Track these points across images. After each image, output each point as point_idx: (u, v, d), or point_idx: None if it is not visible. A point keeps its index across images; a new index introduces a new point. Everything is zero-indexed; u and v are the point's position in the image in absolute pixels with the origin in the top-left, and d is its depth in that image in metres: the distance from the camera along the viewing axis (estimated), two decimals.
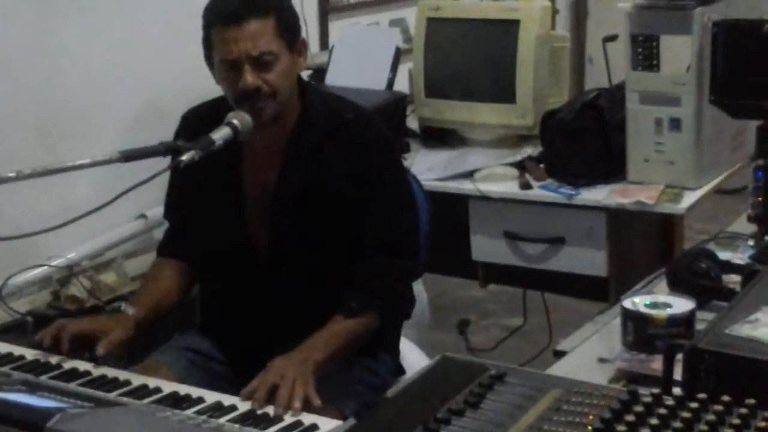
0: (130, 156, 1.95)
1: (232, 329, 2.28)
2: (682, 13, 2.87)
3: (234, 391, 1.97)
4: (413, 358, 2.49)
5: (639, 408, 1.48)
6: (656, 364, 1.86)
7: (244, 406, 1.83)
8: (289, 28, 2.13)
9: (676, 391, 1.59)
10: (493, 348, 3.96)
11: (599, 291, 3.14)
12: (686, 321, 1.97)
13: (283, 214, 2.20)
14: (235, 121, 2.07)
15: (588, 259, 3.07)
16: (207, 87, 2.42)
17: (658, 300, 2.02)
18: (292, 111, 2.19)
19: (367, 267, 2.17)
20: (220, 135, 2.04)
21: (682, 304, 2.00)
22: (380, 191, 2.19)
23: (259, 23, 2.07)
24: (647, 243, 3.25)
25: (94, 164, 1.92)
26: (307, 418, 1.80)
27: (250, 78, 2.07)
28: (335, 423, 1.80)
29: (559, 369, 1.95)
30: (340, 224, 2.19)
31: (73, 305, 2.86)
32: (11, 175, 1.84)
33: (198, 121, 2.23)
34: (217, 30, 2.10)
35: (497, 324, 4.29)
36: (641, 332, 1.94)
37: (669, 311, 1.96)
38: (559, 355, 2.16)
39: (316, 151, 2.18)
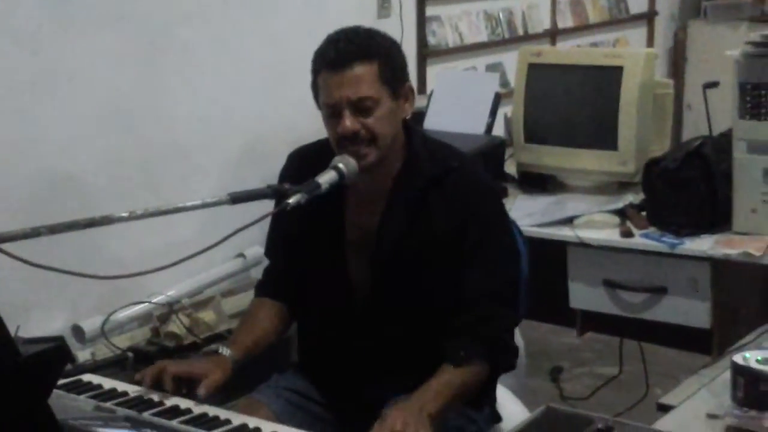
0: (237, 198, 1.97)
1: (330, 370, 2.28)
2: None
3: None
4: (509, 405, 2.45)
5: None
6: None
7: None
8: (394, 74, 2.14)
9: None
10: (587, 397, 3.89)
11: (700, 343, 3.07)
12: None
13: (383, 258, 2.19)
14: (341, 165, 2.09)
15: (690, 311, 3.00)
16: (306, 130, 2.46)
17: None
18: (396, 156, 2.20)
19: (472, 315, 2.15)
20: (326, 179, 2.05)
21: None
22: (486, 240, 2.17)
23: (362, 68, 2.09)
24: (752, 296, 3.16)
25: (204, 206, 1.95)
26: None
27: (348, 122, 2.09)
28: None
29: (666, 423, 1.90)
30: (442, 271, 2.17)
31: (172, 342, 2.90)
32: (123, 215, 1.86)
33: (304, 161, 2.25)
34: (322, 75, 2.13)
35: (591, 372, 4.22)
36: (753, 388, 1.88)
37: None
38: (664, 408, 2.10)
39: (420, 198, 2.18)
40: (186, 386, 2.07)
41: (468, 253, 2.16)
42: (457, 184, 2.19)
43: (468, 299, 2.16)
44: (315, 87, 2.16)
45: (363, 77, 2.09)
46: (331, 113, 2.12)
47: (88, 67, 2.94)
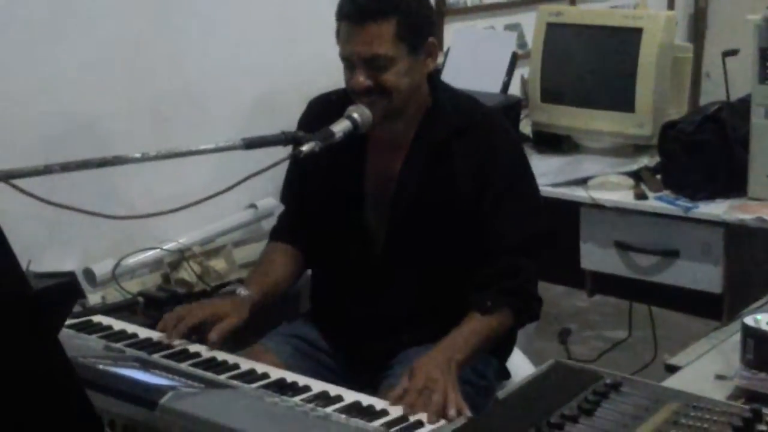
0: (251, 144, 1.97)
1: (341, 319, 2.28)
2: None
3: (339, 381, 1.97)
4: (518, 363, 2.46)
5: (762, 427, 1.43)
6: None
7: (349, 397, 1.83)
8: (413, 30, 2.11)
9: None
10: (595, 360, 3.89)
11: (711, 308, 3.06)
12: None
13: (402, 206, 2.19)
14: (355, 115, 2.08)
15: (702, 275, 2.99)
16: (321, 81, 2.44)
17: None
18: (419, 107, 2.19)
19: (497, 266, 2.16)
20: (340, 128, 2.05)
21: None
22: (510, 192, 2.17)
23: (377, 26, 2.07)
24: (764, 261, 3.15)
25: (217, 150, 1.94)
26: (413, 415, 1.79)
27: (360, 78, 2.09)
28: (441, 422, 1.79)
29: (674, 383, 1.89)
30: (460, 223, 2.17)
31: (183, 288, 2.90)
32: (137, 156, 1.86)
33: (323, 108, 2.24)
34: (342, 25, 2.12)
35: (600, 335, 4.22)
36: (763, 351, 1.87)
37: None
38: (672, 369, 2.10)
39: (443, 148, 2.17)
40: (203, 329, 2.08)
41: (492, 205, 2.16)
42: (481, 135, 2.18)
43: (493, 251, 2.16)
44: (337, 34, 2.15)
45: (378, 35, 2.07)
46: (347, 65, 2.12)
47: (103, 11, 2.92)
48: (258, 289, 2.21)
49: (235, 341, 2.13)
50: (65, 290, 1.47)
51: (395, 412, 1.79)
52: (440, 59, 3.68)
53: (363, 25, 2.07)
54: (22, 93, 2.74)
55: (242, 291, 2.20)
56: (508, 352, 2.35)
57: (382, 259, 2.22)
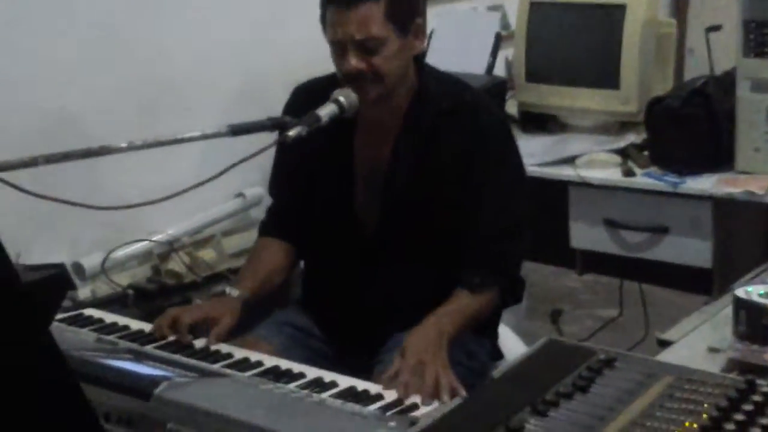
0: (238, 130, 1.96)
1: (333, 306, 2.28)
2: None
3: (332, 367, 1.97)
4: (510, 343, 2.47)
5: (757, 398, 1.43)
6: None
7: (344, 383, 1.83)
8: (402, 11, 2.11)
9: None
10: (587, 339, 3.89)
11: (701, 283, 3.07)
12: None
13: (393, 190, 2.19)
14: (341, 98, 2.07)
15: (692, 250, 2.99)
16: (307, 67, 2.42)
17: None
18: (407, 90, 2.18)
19: (485, 249, 2.17)
20: (326, 111, 2.04)
21: None
22: (498, 174, 2.18)
23: (367, 8, 2.06)
24: (753, 235, 3.16)
25: (204, 137, 1.94)
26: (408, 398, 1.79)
27: (353, 61, 2.08)
28: (434, 403, 1.79)
29: (667, 357, 1.89)
30: (452, 204, 2.17)
31: (173, 280, 2.90)
32: (123, 145, 1.85)
33: (309, 95, 2.22)
34: (330, 10, 2.11)
35: (591, 315, 4.23)
36: (755, 322, 1.87)
37: None
38: (664, 344, 2.10)
39: (432, 130, 2.17)
40: (198, 332, 2.08)
41: (479, 187, 2.16)
42: (468, 117, 2.18)
43: (480, 233, 2.17)
44: (323, 20, 2.14)
45: (369, 16, 2.06)
46: (337, 50, 2.11)
47: (85, 1, 2.90)
48: (248, 289, 2.21)
49: (227, 337, 2.13)
50: (56, 282, 1.46)
51: (390, 396, 1.79)
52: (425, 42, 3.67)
53: (353, 8, 2.06)
54: (3, 88, 2.72)
55: (233, 291, 2.19)
56: (495, 331, 2.36)
57: (374, 244, 2.21)
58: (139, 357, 1.88)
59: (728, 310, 2.00)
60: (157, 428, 1.62)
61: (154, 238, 2.98)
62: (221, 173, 1.90)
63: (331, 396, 1.76)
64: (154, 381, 1.69)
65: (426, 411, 1.75)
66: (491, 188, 2.17)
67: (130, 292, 2.82)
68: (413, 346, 1.91)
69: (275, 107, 2.33)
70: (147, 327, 2.09)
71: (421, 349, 1.90)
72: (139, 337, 2.04)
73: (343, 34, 2.07)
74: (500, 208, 2.18)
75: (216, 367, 1.88)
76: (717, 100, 3.00)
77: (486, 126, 2.19)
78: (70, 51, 2.87)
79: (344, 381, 1.84)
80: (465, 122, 2.17)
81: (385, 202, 2.20)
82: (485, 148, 2.16)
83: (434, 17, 4.01)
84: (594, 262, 3.32)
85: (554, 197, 3.18)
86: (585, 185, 3.12)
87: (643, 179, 3.04)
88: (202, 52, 3.24)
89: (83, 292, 2.78)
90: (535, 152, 3.27)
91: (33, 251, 2.71)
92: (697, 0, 5.87)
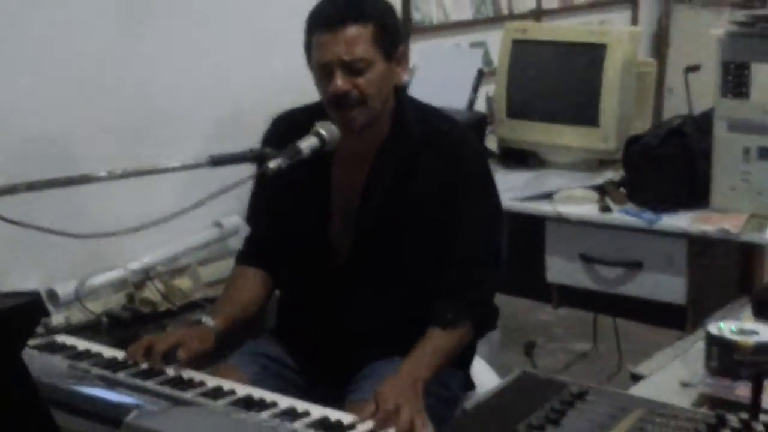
0: (218, 161, 1.95)
1: (307, 334, 2.27)
2: None
3: (305, 397, 1.96)
4: (483, 374, 2.47)
5: None
6: (741, 390, 1.82)
7: (317, 412, 1.82)
8: (388, 37, 2.13)
9: (764, 418, 1.55)
10: (560, 371, 3.91)
11: (674, 319, 3.08)
12: None
13: (367, 219, 2.19)
14: (323, 131, 2.07)
15: (666, 286, 3.01)
16: (289, 96, 2.43)
17: (744, 327, 1.98)
18: (385, 120, 2.19)
19: (459, 279, 2.17)
20: (307, 144, 2.03)
21: None
22: (474, 204, 2.18)
23: (356, 29, 2.08)
24: (726, 272, 3.18)
25: (184, 168, 1.93)
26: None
27: (340, 81, 2.09)
28: None
29: (639, 391, 1.90)
30: (425, 234, 2.18)
31: (147, 308, 2.89)
32: (102, 174, 1.85)
33: (290, 126, 2.22)
34: (316, 35, 2.12)
35: (565, 348, 4.24)
36: (726, 358, 1.89)
37: (756, 338, 1.92)
38: (637, 378, 2.11)
39: (409, 160, 2.18)
40: (172, 359, 2.06)
41: (455, 217, 2.16)
42: (445, 147, 2.19)
43: (454, 263, 2.17)
44: (308, 48, 2.15)
45: (357, 38, 2.08)
46: (324, 73, 2.12)
47: (65, 30, 2.90)
48: (223, 320, 2.20)
49: (200, 366, 2.12)
50: (29, 309, 1.45)
51: (363, 427, 1.78)
52: (407, 77, 3.69)
53: (341, 29, 2.08)
54: None
55: (209, 320, 2.18)
56: (469, 362, 2.35)
57: (347, 272, 2.21)
58: (110, 384, 1.86)
59: (700, 346, 2.02)
60: None
61: (130, 266, 2.97)
62: (199, 204, 1.89)
63: (304, 426, 1.75)
64: (125, 408, 1.68)
65: None
66: (466, 218, 2.17)
67: (105, 319, 2.81)
68: (388, 394, 1.89)
69: (257, 137, 2.34)
70: (120, 354, 2.07)
71: (395, 396, 1.88)
72: (112, 364, 2.03)
73: (331, 55, 2.09)
74: (475, 238, 2.19)
75: (188, 395, 1.86)
76: (694, 139, 3.03)
77: (463, 156, 2.20)
78: (52, 79, 2.87)
79: (317, 411, 1.83)
80: (442, 152, 2.18)
81: (357, 231, 2.20)
82: (461, 178, 2.17)
83: (418, 53, 4.04)
84: (569, 296, 3.33)
85: (531, 232, 3.20)
86: (562, 220, 3.14)
87: (619, 216, 3.07)
88: (184, 83, 3.25)
89: (57, 319, 2.76)
90: (514, 187, 3.29)
91: (8, 277, 2.71)
92: (676, 40, 5.94)
